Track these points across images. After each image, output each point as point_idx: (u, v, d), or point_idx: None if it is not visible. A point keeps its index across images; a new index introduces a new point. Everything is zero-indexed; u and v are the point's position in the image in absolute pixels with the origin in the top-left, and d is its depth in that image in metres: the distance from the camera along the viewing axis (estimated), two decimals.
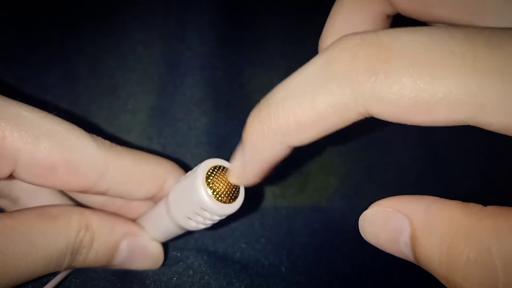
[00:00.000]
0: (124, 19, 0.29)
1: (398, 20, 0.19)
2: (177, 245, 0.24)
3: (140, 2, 0.29)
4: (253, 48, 0.30)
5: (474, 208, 0.13)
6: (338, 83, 0.14)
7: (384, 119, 0.14)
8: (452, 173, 0.29)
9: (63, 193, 0.22)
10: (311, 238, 0.26)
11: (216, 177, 0.19)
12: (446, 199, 0.14)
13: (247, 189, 0.20)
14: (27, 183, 0.18)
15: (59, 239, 0.18)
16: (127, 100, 0.27)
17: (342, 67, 0.14)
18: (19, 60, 0.27)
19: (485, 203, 0.14)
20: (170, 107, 0.27)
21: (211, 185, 0.19)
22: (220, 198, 0.19)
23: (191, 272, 0.22)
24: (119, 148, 0.19)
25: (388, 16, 0.19)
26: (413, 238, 0.14)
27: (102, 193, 0.20)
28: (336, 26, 0.19)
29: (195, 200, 0.19)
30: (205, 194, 0.18)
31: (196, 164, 0.20)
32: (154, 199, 0.21)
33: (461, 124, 0.13)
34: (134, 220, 0.22)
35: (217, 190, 0.19)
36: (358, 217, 0.16)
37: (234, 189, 0.19)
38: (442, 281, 0.14)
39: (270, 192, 0.27)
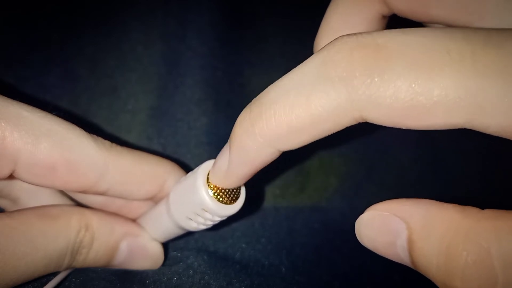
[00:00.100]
0: (124, 19, 0.29)
1: (395, 21, 0.19)
2: (177, 245, 0.24)
3: (140, 2, 0.29)
4: (253, 48, 0.30)
5: (472, 211, 0.13)
6: (334, 87, 0.14)
7: (379, 124, 0.14)
8: (452, 173, 0.29)
9: (63, 193, 0.22)
10: (311, 238, 0.26)
11: None
12: (443, 202, 0.14)
13: (247, 190, 0.20)
14: (27, 183, 0.18)
15: (59, 239, 0.18)
16: (127, 100, 0.27)
17: (337, 70, 0.14)
18: (19, 60, 0.27)
19: (484, 203, 0.14)
20: (170, 107, 0.27)
21: (212, 185, 0.18)
22: (221, 199, 0.18)
23: (191, 272, 0.22)
24: (119, 148, 0.19)
25: (384, 17, 0.19)
26: (410, 242, 0.14)
27: (102, 193, 0.20)
28: (332, 26, 0.19)
29: (196, 200, 0.18)
30: (206, 195, 0.18)
31: (196, 164, 0.20)
32: (154, 199, 0.21)
33: (459, 127, 0.13)
34: (134, 220, 0.22)
35: (218, 191, 0.19)
36: (359, 217, 0.16)
37: (235, 190, 0.19)
38: (440, 285, 0.13)
39: (270, 192, 0.27)
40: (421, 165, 0.29)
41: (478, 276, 0.13)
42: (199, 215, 0.19)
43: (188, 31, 0.29)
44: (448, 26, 0.17)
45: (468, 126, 0.13)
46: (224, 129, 0.27)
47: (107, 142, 0.19)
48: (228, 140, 0.17)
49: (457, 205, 0.14)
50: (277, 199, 0.27)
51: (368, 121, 0.14)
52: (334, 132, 0.15)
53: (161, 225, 0.21)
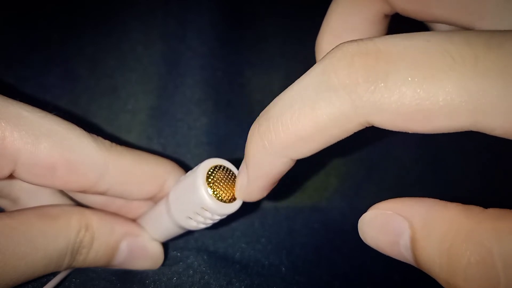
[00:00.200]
0: (124, 19, 0.29)
1: (397, 20, 0.19)
2: (177, 245, 0.24)
3: (140, 2, 0.29)
4: (253, 48, 0.30)
5: (474, 210, 0.13)
6: (337, 96, 0.14)
7: (385, 128, 0.14)
8: (452, 173, 0.29)
9: (63, 193, 0.22)
10: (311, 238, 0.26)
11: (217, 176, 0.19)
12: (446, 202, 0.14)
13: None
14: (27, 183, 0.18)
15: (59, 239, 0.18)
16: (127, 100, 0.27)
17: (340, 78, 0.14)
18: (19, 60, 0.27)
19: (485, 203, 0.14)
20: (170, 107, 0.27)
21: (211, 184, 0.19)
22: (220, 198, 0.19)
23: (191, 272, 0.22)
24: (119, 148, 0.19)
25: (386, 16, 0.19)
26: (413, 241, 0.14)
27: (102, 193, 0.20)
28: (333, 26, 0.19)
29: (196, 199, 0.19)
30: (205, 193, 0.18)
31: (196, 164, 0.20)
32: (154, 199, 0.21)
33: (464, 130, 0.13)
34: (134, 220, 0.22)
35: (217, 189, 0.19)
36: (358, 217, 0.16)
37: (234, 189, 0.19)
38: (443, 284, 0.14)
39: (270, 192, 0.27)
40: (422, 165, 0.29)
41: (480, 276, 0.13)
42: (199, 214, 0.19)
43: (188, 31, 0.29)
44: (450, 25, 0.17)
45: (473, 129, 0.13)
46: (224, 129, 0.27)
47: (107, 142, 0.19)
48: (244, 158, 0.17)
49: (460, 204, 0.14)
50: (277, 199, 0.27)
51: (374, 125, 0.14)
52: (343, 138, 0.15)
53: (161, 224, 0.21)
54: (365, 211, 0.16)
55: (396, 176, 0.29)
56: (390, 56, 0.13)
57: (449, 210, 0.14)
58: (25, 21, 0.28)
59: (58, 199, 0.22)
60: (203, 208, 0.19)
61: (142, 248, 0.21)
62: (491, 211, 0.13)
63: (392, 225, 0.15)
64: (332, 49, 0.14)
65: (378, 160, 0.29)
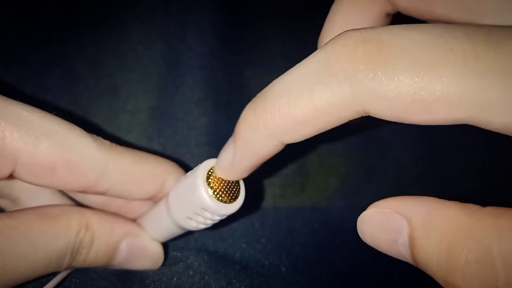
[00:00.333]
0: (124, 19, 0.29)
1: (398, 19, 0.19)
2: (177, 245, 0.24)
3: (140, 2, 0.29)
4: (253, 48, 0.30)
5: (473, 209, 0.13)
6: (337, 81, 0.14)
7: (382, 118, 0.14)
8: (452, 173, 0.29)
9: (63, 193, 0.22)
10: (311, 238, 0.26)
11: (217, 177, 0.19)
12: (445, 200, 0.14)
13: (247, 189, 0.20)
14: (27, 183, 0.18)
15: (59, 239, 0.18)
16: (127, 100, 0.27)
17: (341, 65, 0.14)
18: (19, 60, 0.27)
19: (485, 203, 0.14)
20: (170, 107, 0.27)
21: (211, 185, 0.19)
22: (220, 198, 0.19)
23: (191, 272, 0.22)
24: (119, 148, 0.19)
25: (387, 15, 0.19)
26: (411, 239, 0.14)
27: (102, 193, 0.20)
28: (335, 25, 0.19)
29: (196, 200, 0.19)
30: (205, 194, 0.18)
31: (196, 164, 0.20)
32: (154, 199, 0.21)
33: (461, 123, 0.13)
34: (134, 220, 0.22)
35: (217, 190, 0.19)
36: (359, 216, 0.16)
37: (234, 189, 0.19)
38: (441, 282, 0.14)
39: (270, 192, 0.27)
40: (421, 165, 0.29)
41: (479, 274, 0.13)
42: (199, 214, 0.19)
43: (188, 31, 0.29)
44: (451, 23, 0.17)
45: (470, 122, 0.13)
46: (224, 129, 0.27)
47: (107, 142, 0.19)
48: (233, 134, 0.17)
49: (458, 202, 0.14)
50: (277, 199, 0.27)
51: (371, 114, 0.14)
52: (338, 125, 0.15)
53: (161, 225, 0.21)
54: (367, 207, 0.16)
55: (396, 176, 0.29)
56: (392, 46, 0.13)
57: (448, 208, 0.14)
58: (25, 21, 0.28)
59: (58, 199, 0.22)
60: (203, 208, 0.19)
61: (142, 248, 0.21)
62: (490, 209, 0.13)
63: (391, 223, 0.15)
64: (335, 36, 0.14)
65: (378, 160, 0.29)
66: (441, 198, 0.14)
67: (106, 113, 0.27)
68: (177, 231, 0.21)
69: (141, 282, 0.21)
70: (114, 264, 0.21)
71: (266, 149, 0.16)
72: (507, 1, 0.16)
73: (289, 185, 0.27)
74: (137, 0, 0.29)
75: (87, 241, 0.19)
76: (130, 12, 0.29)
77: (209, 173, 0.19)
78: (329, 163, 0.28)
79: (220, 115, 0.27)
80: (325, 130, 0.15)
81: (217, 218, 0.19)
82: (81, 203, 0.22)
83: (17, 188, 0.21)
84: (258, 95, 0.16)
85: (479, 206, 0.13)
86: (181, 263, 0.22)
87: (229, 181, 0.19)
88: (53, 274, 0.19)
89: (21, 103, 0.18)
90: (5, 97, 0.18)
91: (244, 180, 0.20)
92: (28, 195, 0.21)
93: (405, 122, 0.14)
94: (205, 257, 0.22)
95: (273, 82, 0.16)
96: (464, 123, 0.13)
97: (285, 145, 0.16)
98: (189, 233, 0.23)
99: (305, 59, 0.15)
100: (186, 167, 0.22)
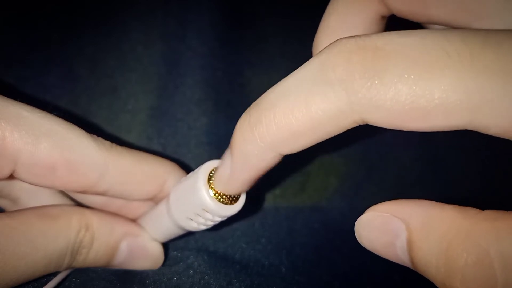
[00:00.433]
0: (124, 19, 0.29)
1: (394, 22, 0.19)
2: (177, 245, 0.24)
3: (140, 2, 0.29)
4: (253, 48, 0.30)
5: (471, 212, 0.13)
6: (334, 90, 0.13)
7: (380, 126, 0.14)
8: (452, 173, 0.29)
9: (63, 193, 0.22)
10: (311, 238, 0.26)
11: None
12: (443, 203, 0.14)
13: (248, 190, 0.19)
14: (27, 183, 0.18)
15: (59, 239, 0.18)
16: (127, 100, 0.27)
17: (336, 73, 0.13)
18: (19, 60, 0.27)
19: (484, 204, 0.14)
20: (170, 107, 0.27)
21: (212, 186, 0.18)
22: (221, 200, 0.18)
23: (191, 272, 0.22)
24: (119, 148, 0.19)
25: (383, 17, 0.19)
26: (409, 243, 0.14)
27: (102, 193, 0.20)
28: (330, 26, 0.19)
29: (197, 201, 0.18)
30: (206, 195, 0.18)
31: (196, 165, 0.20)
32: (154, 200, 0.21)
33: (460, 128, 0.13)
34: (134, 220, 0.22)
35: (218, 191, 0.19)
36: (358, 217, 0.16)
37: None
38: (440, 285, 0.13)
39: (270, 192, 0.27)
40: (421, 165, 0.29)
41: (477, 277, 0.12)
42: (200, 216, 0.19)
43: (188, 31, 0.29)
44: (447, 26, 0.17)
45: (469, 127, 0.13)
46: (224, 129, 0.27)
47: (107, 142, 0.19)
48: (229, 146, 0.17)
49: (457, 206, 0.14)
50: (277, 199, 0.27)
51: (369, 123, 0.14)
52: (335, 134, 0.15)
53: (161, 225, 0.21)
54: (365, 211, 0.16)
55: (396, 176, 0.29)
56: (387, 53, 0.13)
57: (446, 211, 0.14)
58: (25, 21, 0.28)
59: (58, 199, 0.22)
60: (204, 209, 0.19)
61: (142, 248, 0.21)
62: (488, 212, 0.13)
63: (389, 227, 0.14)
64: (330, 44, 0.14)
65: (378, 160, 0.29)
66: (441, 198, 0.14)
67: (106, 113, 0.27)
68: (177, 232, 0.21)
69: (141, 282, 0.21)
70: (114, 264, 0.21)
71: (263, 161, 0.16)
72: (507, 2, 0.15)
73: (289, 185, 0.27)
74: (137, 0, 0.29)
75: (87, 241, 0.19)
76: (130, 12, 0.29)
77: (211, 174, 0.19)
78: (329, 163, 0.28)
79: (220, 115, 0.27)
80: (323, 139, 0.15)
81: (218, 219, 0.19)
82: (81, 203, 0.22)
83: (17, 188, 0.21)
84: (252, 104, 0.15)
85: (477, 209, 0.13)
86: (181, 263, 0.22)
87: None
88: (53, 274, 0.19)
89: (21, 103, 0.18)
90: (5, 97, 0.18)
91: None
92: (28, 195, 0.21)
93: (404, 130, 0.14)
94: (205, 257, 0.22)
95: (268, 90, 0.15)
96: (464, 128, 0.13)
97: (283, 156, 0.16)
98: (189, 233, 0.23)
99: (300, 67, 0.15)
100: (186, 167, 0.22)
